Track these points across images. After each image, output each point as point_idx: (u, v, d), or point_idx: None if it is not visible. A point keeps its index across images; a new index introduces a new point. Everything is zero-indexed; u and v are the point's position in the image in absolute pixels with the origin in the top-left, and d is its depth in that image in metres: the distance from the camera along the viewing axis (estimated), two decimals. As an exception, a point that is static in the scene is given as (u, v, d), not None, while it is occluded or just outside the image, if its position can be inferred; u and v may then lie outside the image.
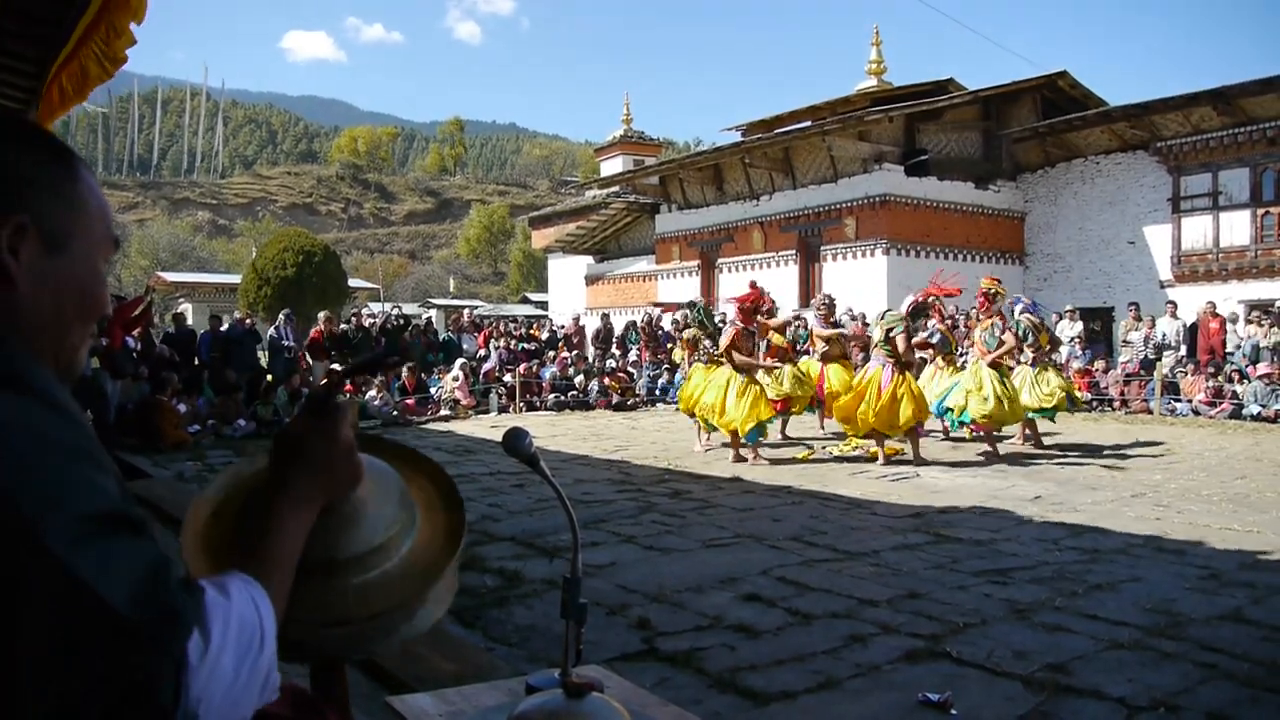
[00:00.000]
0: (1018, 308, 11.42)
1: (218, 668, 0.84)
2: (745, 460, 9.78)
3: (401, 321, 19.80)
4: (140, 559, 0.81)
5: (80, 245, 0.94)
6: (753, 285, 10.53)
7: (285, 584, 1.01)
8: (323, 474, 1.07)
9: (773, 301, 10.91)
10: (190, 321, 20.50)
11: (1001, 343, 10.41)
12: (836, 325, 12.95)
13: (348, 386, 14.97)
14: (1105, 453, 10.75)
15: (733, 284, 23.14)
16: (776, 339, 11.13)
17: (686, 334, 11.63)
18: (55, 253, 0.92)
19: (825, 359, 12.14)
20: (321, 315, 17.76)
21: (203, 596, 0.86)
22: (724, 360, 10.07)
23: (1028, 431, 11.21)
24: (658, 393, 18.18)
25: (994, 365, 10.31)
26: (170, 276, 41.10)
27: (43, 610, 0.74)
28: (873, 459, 9.78)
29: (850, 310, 18.60)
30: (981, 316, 10.86)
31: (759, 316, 10.22)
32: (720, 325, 11.26)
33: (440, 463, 1.38)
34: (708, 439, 10.86)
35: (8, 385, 0.82)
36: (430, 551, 1.22)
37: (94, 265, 0.97)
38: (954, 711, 3.21)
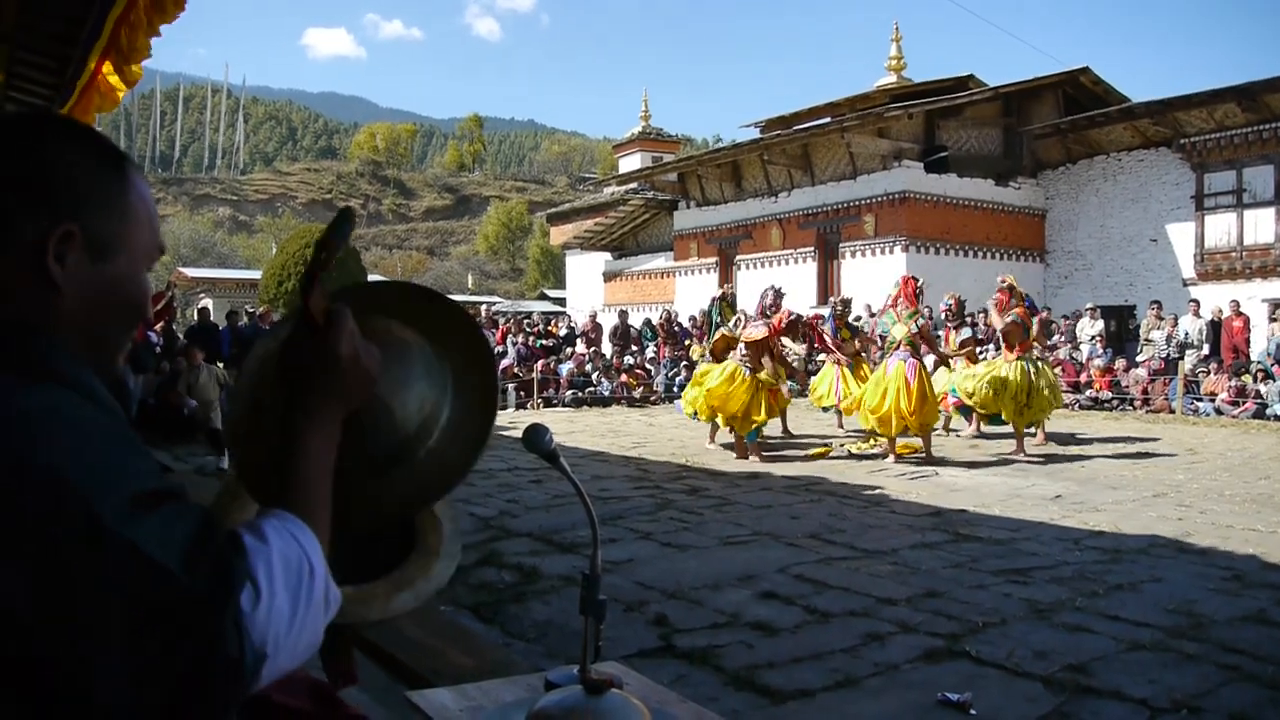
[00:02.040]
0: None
1: (273, 609, 0.88)
2: (756, 458, 9.74)
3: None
4: (188, 522, 0.85)
5: (126, 254, 0.96)
6: (776, 293, 10.34)
7: (324, 506, 1.02)
8: (334, 390, 1.05)
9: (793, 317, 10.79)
10: (211, 317, 20.61)
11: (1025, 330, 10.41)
12: (852, 326, 12.90)
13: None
14: (1127, 452, 10.67)
15: (751, 281, 23.10)
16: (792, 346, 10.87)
17: (715, 339, 11.25)
18: (100, 261, 0.93)
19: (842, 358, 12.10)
20: None
21: (244, 546, 0.89)
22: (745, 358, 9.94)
23: (1031, 429, 11.15)
24: (675, 390, 18.17)
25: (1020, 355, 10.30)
26: (191, 272, 41.34)
27: (108, 586, 0.78)
28: (885, 456, 9.76)
29: (869, 308, 18.54)
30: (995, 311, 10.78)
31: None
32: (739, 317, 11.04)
33: (463, 485, 1.31)
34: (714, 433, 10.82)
35: (50, 378, 0.86)
36: (471, 420, 1.19)
37: (137, 273, 0.99)
38: (973, 711, 3.19)
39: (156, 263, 1.03)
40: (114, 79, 4.99)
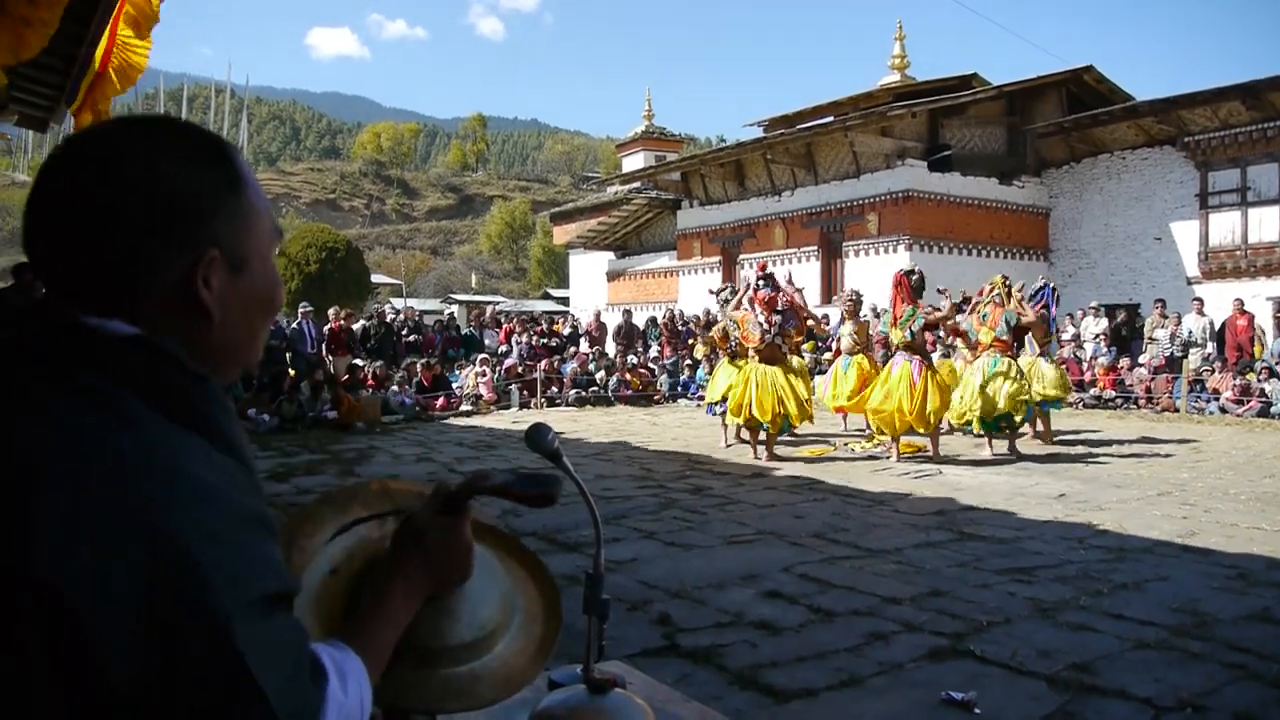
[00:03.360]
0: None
1: None
2: (779, 457, 9.74)
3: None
4: (293, 646, 0.81)
5: (259, 253, 0.93)
6: (762, 267, 10.39)
7: (382, 664, 1.01)
8: (437, 567, 1.09)
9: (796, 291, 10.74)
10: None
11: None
12: (860, 320, 12.87)
13: (370, 382, 15.08)
14: (1131, 451, 10.65)
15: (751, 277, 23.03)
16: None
17: (715, 331, 11.26)
18: (240, 272, 0.90)
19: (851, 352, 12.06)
20: (331, 311, 17.87)
21: (325, 689, 0.85)
22: (755, 355, 9.92)
23: (1039, 426, 11.13)
24: (679, 389, 18.17)
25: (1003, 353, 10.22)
26: (195, 272, 41.34)
27: (203, 686, 0.73)
28: (889, 455, 9.75)
29: (875, 307, 18.53)
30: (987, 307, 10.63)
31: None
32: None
33: (497, 526, 1.37)
34: (734, 432, 10.81)
35: (207, 437, 0.81)
36: (519, 661, 1.22)
37: (270, 267, 0.95)
38: (977, 710, 3.19)
39: (280, 240, 0.99)
40: (116, 78, 5.00)
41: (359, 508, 1.24)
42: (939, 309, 10.50)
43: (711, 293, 11.66)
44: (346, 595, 1.12)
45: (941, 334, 11.35)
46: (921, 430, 9.64)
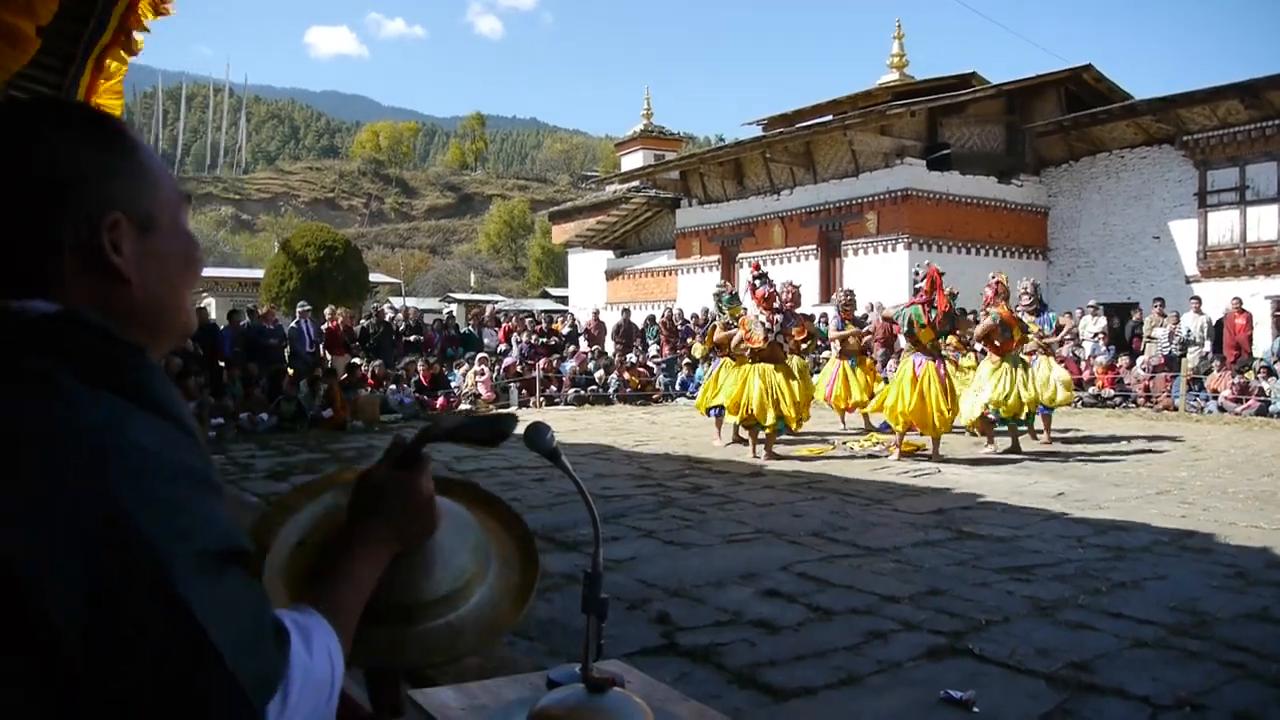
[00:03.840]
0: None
1: None
2: (777, 456, 9.74)
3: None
4: (249, 603, 0.81)
5: (166, 214, 0.95)
6: (755, 266, 10.40)
7: (351, 627, 1.01)
8: (399, 523, 1.09)
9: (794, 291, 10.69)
10: (213, 316, 20.61)
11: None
12: (856, 321, 12.88)
13: (369, 381, 15.08)
14: (1130, 449, 10.65)
15: (747, 277, 23.06)
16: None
17: (719, 334, 11.17)
18: (148, 233, 0.92)
19: (843, 354, 12.08)
20: (328, 310, 17.86)
21: (289, 650, 0.85)
22: (756, 355, 9.92)
23: (1040, 426, 11.15)
24: (677, 388, 18.17)
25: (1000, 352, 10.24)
26: (194, 271, 41.30)
27: (154, 647, 0.73)
28: (890, 454, 9.75)
29: (880, 304, 18.56)
30: (990, 308, 10.63)
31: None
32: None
33: (506, 500, 1.38)
34: (734, 432, 10.81)
35: (144, 405, 0.82)
36: (497, 609, 1.22)
37: (182, 227, 0.97)
38: (976, 710, 3.19)
39: (189, 204, 1.01)
40: (117, 76, 4.99)
41: (333, 496, 1.25)
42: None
43: (721, 287, 11.61)
44: (314, 564, 1.11)
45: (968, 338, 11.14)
46: (936, 431, 9.62)
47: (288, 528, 1.21)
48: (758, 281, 9.93)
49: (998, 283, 10.36)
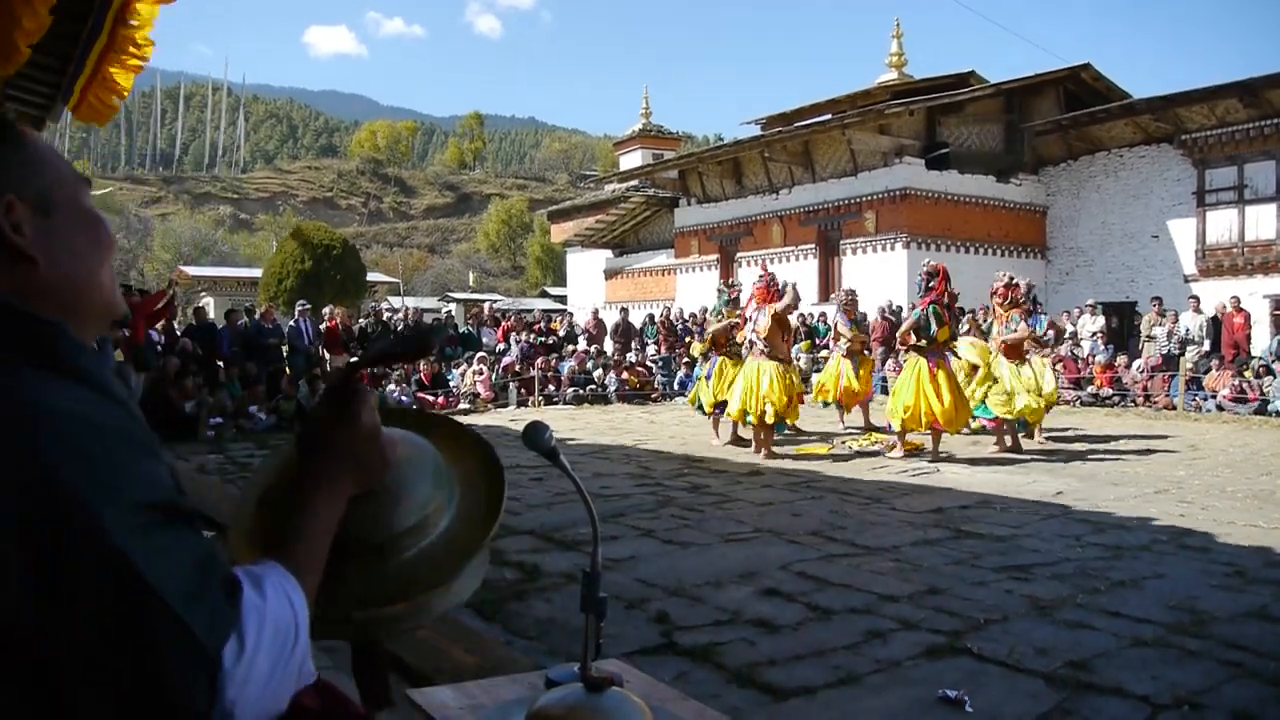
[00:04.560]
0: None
1: (253, 669, 0.84)
2: (775, 455, 9.75)
3: (426, 320, 19.89)
4: (191, 553, 0.83)
5: (63, 195, 0.97)
6: (764, 268, 10.43)
7: (317, 572, 1.01)
8: (348, 461, 1.08)
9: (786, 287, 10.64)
10: (212, 315, 20.59)
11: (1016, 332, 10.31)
12: (858, 321, 12.89)
13: (364, 377, 15.07)
14: (1129, 449, 10.66)
15: (752, 278, 23.05)
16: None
17: (716, 328, 11.24)
18: (47, 213, 0.94)
19: (848, 354, 12.09)
20: (326, 310, 17.85)
21: (240, 598, 0.87)
22: (755, 353, 9.92)
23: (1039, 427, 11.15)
24: (676, 387, 18.17)
25: (1010, 356, 10.25)
26: (192, 270, 41.32)
27: (99, 599, 0.75)
28: (890, 450, 9.76)
29: (890, 304, 18.61)
30: (1000, 309, 10.64)
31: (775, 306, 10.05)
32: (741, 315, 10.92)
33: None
34: (732, 431, 10.82)
35: (60, 372, 0.84)
36: (468, 527, 1.21)
37: (83, 205, 0.99)
38: (969, 709, 3.19)
39: (88, 187, 1.03)
40: (119, 76, 4.99)
41: (289, 451, 1.25)
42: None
43: (725, 288, 11.59)
44: (277, 520, 1.11)
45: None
46: (952, 431, 9.62)
47: (250, 491, 1.23)
48: (759, 278, 10.00)
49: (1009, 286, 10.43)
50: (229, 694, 0.81)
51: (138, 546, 0.77)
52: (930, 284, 9.56)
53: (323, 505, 1.05)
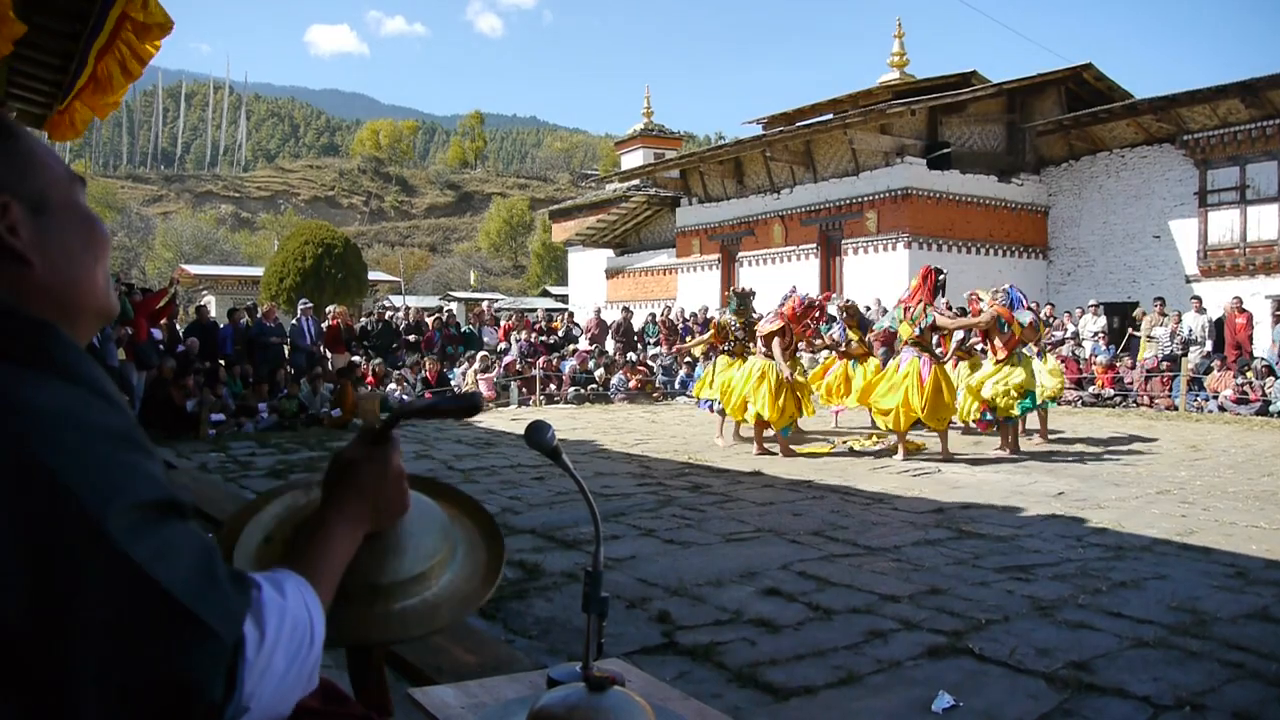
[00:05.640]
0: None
1: (270, 664, 0.85)
2: (772, 454, 9.75)
3: (425, 320, 19.91)
4: (193, 547, 0.83)
5: (57, 194, 0.96)
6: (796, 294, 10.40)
7: (329, 598, 1.03)
8: (372, 499, 1.12)
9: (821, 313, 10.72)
10: (213, 314, 20.59)
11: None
12: (864, 321, 12.87)
13: (369, 379, 15.07)
14: (1130, 449, 10.65)
15: (753, 278, 23.10)
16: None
17: (719, 319, 11.26)
18: (42, 214, 0.93)
19: (850, 355, 12.09)
20: (330, 309, 17.84)
21: (257, 592, 0.88)
22: (754, 352, 9.99)
23: (1036, 425, 11.14)
24: (677, 386, 18.17)
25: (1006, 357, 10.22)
26: (193, 269, 41.37)
27: (104, 600, 0.75)
28: (893, 453, 9.74)
29: (880, 301, 18.54)
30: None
31: (805, 321, 10.16)
32: (757, 316, 10.94)
33: (466, 482, 1.45)
34: (734, 430, 10.84)
35: (56, 374, 0.83)
36: (470, 584, 1.27)
37: (78, 205, 0.98)
38: (960, 703, 3.18)
39: (83, 186, 1.02)
40: (117, 75, 4.99)
41: (293, 497, 1.30)
42: (945, 312, 10.35)
43: (735, 292, 11.58)
44: (282, 559, 1.12)
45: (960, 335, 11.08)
46: (932, 426, 9.60)
47: (253, 525, 1.24)
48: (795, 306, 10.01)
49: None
50: (247, 685, 0.82)
51: (140, 544, 0.77)
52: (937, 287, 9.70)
53: (341, 535, 1.08)
